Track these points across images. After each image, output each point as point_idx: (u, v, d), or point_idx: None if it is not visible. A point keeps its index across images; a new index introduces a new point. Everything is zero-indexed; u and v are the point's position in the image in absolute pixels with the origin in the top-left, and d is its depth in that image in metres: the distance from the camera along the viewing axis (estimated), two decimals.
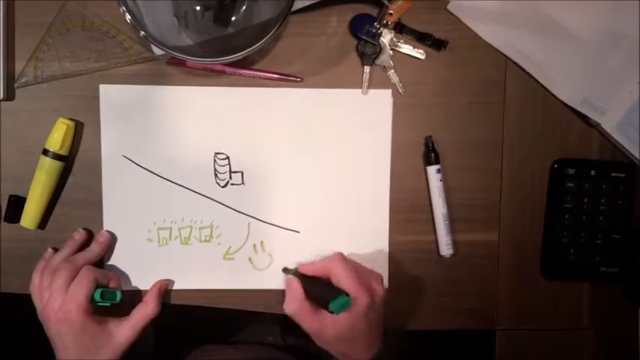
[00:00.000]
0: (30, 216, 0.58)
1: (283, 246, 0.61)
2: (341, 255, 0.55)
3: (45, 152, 0.57)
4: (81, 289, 0.54)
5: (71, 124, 0.57)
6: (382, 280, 0.55)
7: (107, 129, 0.59)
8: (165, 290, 0.60)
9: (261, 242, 0.61)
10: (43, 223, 0.59)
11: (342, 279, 0.53)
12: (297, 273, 0.57)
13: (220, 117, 0.60)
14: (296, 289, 0.54)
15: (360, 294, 0.52)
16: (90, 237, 0.59)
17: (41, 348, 0.55)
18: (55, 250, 0.59)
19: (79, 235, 0.59)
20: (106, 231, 0.59)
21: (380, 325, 0.55)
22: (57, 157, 0.57)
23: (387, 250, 0.61)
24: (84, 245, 0.59)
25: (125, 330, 0.55)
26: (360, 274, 0.54)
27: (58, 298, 0.54)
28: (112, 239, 0.60)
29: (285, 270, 0.60)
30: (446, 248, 0.60)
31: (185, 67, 0.59)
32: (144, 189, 0.60)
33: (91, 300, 0.54)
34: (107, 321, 0.55)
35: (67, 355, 0.53)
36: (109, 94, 0.59)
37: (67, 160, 0.58)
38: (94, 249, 0.58)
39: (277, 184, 0.61)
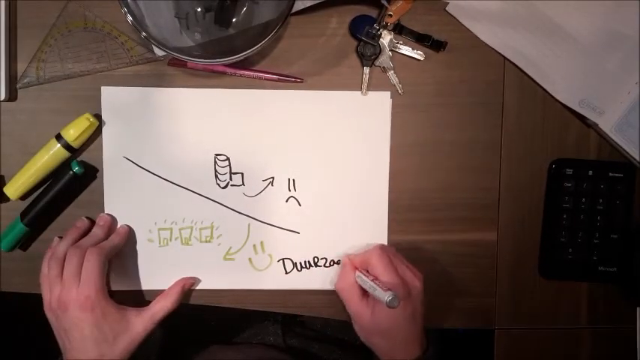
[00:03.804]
0: (15, 186, 0.58)
1: (283, 246, 0.61)
2: (380, 247, 0.56)
3: (58, 137, 0.57)
4: (94, 272, 0.54)
5: (95, 122, 0.57)
6: (421, 277, 0.56)
7: (109, 130, 0.59)
8: (188, 288, 0.60)
9: (261, 243, 0.61)
10: (40, 224, 0.60)
11: (380, 272, 0.54)
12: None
13: (221, 119, 0.60)
14: (349, 270, 0.57)
15: (398, 288, 0.52)
16: (92, 225, 0.59)
17: (41, 346, 0.55)
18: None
19: (82, 223, 0.59)
20: (106, 214, 0.60)
21: (421, 325, 0.56)
22: (67, 146, 0.57)
23: None
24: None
25: (144, 320, 0.55)
26: (399, 267, 0.55)
27: (72, 286, 0.53)
28: (113, 221, 0.60)
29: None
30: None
31: (186, 68, 0.59)
32: (145, 190, 0.60)
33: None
34: (126, 309, 0.55)
35: (84, 344, 0.53)
36: (111, 95, 0.59)
37: (74, 153, 0.58)
38: (98, 232, 0.58)
39: (277, 185, 0.61)
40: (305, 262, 0.61)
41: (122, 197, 0.60)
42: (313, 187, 0.61)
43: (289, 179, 0.61)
